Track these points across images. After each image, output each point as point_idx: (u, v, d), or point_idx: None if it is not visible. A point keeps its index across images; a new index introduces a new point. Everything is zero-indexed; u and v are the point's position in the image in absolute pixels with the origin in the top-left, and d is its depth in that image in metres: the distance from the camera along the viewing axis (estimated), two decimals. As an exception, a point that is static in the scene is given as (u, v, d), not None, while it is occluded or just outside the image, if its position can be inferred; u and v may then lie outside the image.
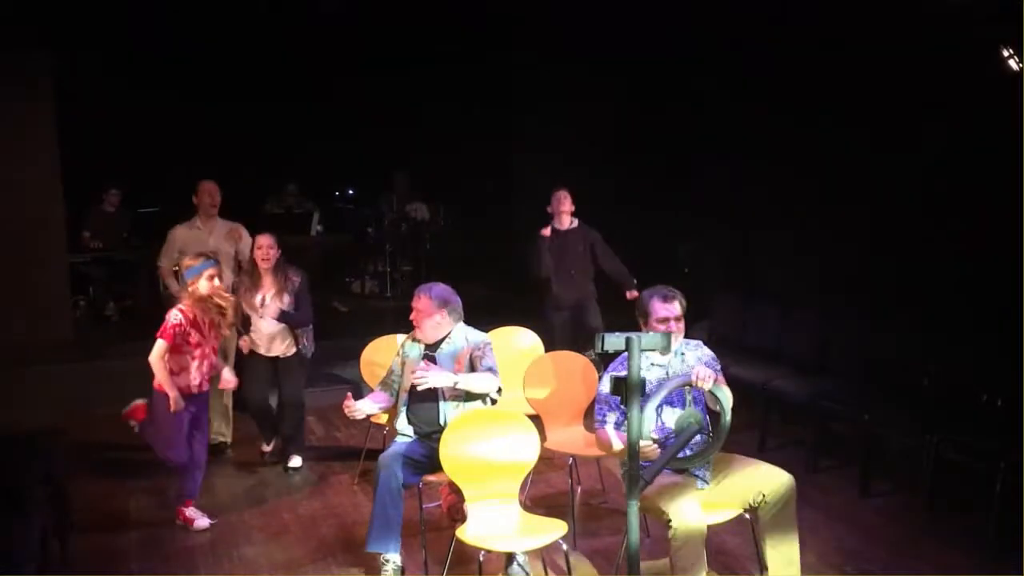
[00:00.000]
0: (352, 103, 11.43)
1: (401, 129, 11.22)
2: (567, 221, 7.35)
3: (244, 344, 6.26)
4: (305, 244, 10.41)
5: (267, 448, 6.51)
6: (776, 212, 8.07)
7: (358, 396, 5.10)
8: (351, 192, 12.53)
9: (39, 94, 7.85)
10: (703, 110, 8.77)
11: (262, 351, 6.25)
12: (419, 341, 4.96)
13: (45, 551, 4.34)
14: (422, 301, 4.86)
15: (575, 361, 5.71)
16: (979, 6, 5.94)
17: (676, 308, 4.23)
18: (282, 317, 6.13)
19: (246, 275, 6.28)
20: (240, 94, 10.58)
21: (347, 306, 10.22)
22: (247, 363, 6.29)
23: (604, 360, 4.83)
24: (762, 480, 4.10)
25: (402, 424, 4.89)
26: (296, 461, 6.34)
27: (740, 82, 8.20)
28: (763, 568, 4.15)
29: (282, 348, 6.27)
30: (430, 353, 4.90)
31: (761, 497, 4.06)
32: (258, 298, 6.15)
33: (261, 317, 6.15)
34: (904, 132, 6.71)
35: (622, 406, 4.11)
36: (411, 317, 4.93)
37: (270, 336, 6.22)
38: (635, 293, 6.96)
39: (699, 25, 8.40)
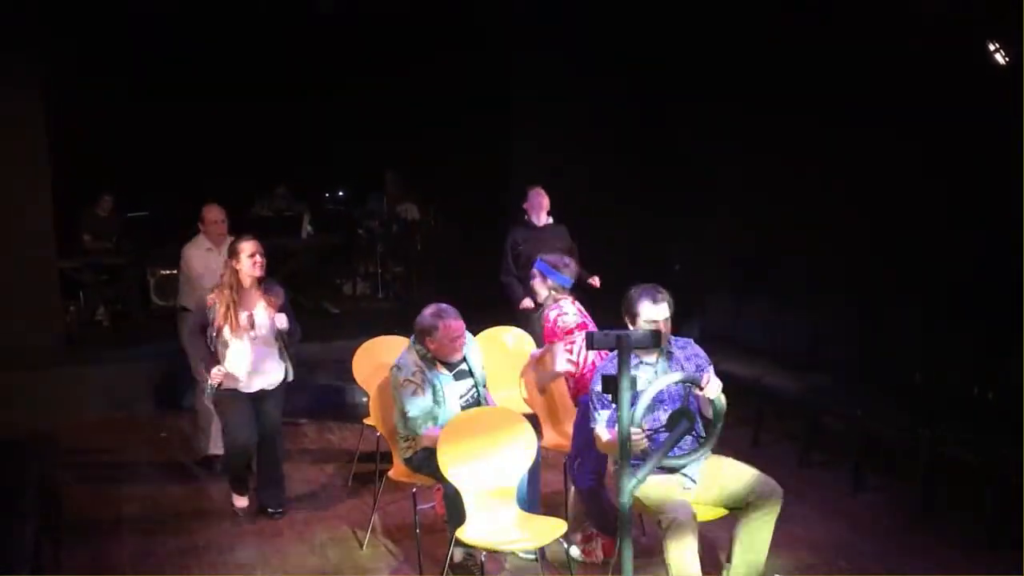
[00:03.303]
0: (342, 104, 11.40)
1: (392, 129, 11.19)
2: (544, 218, 7.03)
3: (219, 376, 5.13)
4: (295, 246, 10.38)
5: (245, 503, 5.60)
6: (769, 209, 8.07)
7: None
8: (341, 194, 12.51)
9: (28, 95, 7.80)
10: (701, 109, 8.78)
11: (241, 386, 5.25)
12: (442, 366, 4.73)
13: (38, 555, 4.32)
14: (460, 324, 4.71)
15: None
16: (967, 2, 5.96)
17: (665, 310, 4.21)
18: (289, 332, 5.33)
19: (225, 290, 5.15)
20: (229, 95, 10.51)
21: (338, 307, 10.20)
22: (226, 405, 5.29)
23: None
24: (751, 487, 4.08)
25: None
26: (279, 507, 5.55)
27: (737, 81, 8.20)
28: (729, 559, 4.16)
29: (267, 380, 5.34)
30: (462, 370, 4.84)
31: (747, 505, 4.06)
32: (243, 316, 5.18)
33: (254, 338, 5.20)
34: (899, 128, 6.71)
35: (613, 404, 4.13)
36: (454, 345, 4.68)
37: (255, 365, 5.25)
38: (597, 280, 6.80)
39: (698, 26, 8.40)
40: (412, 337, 4.78)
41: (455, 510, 4.33)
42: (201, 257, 6.22)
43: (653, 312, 4.18)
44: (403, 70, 10.69)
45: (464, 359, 4.82)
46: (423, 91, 10.83)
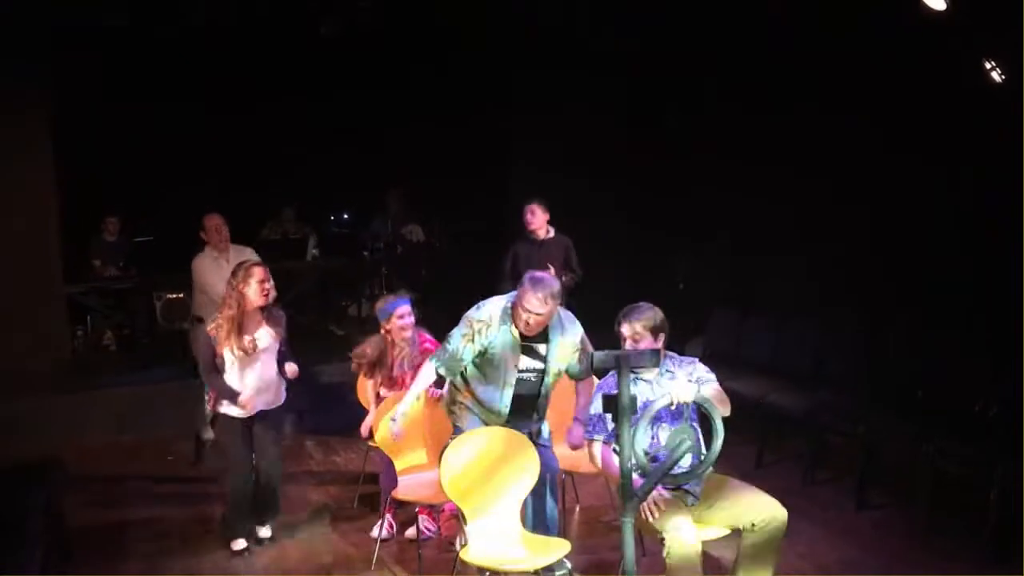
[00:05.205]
0: (347, 125, 11.44)
1: (394, 150, 11.23)
2: (543, 232, 7.17)
3: (248, 402, 5.07)
4: (301, 269, 10.42)
5: (243, 544, 5.33)
6: (772, 226, 8.09)
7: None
8: (346, 217, 12.56)
9: (36, 116, 7.87)
10: (700, 122, 8.81)
11: (237, 411, 5.11)
12: (515, 328, 4.43)
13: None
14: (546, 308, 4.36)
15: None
16: (961, 18, 5.98)
17: (625, 330, 4.20)
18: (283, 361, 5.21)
19: (227, 313, 4.96)
20: (234, 117, 10.57)
21: (343, 329, 10.22)
22: (222, 430, 5.26)
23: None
24: (755, 509, 4.07)
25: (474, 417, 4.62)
26: (267, 530, 5.44)
27: (738, 92, 8.23)
28: None
29: (267, 399, 5.18)
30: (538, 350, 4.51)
31: (751, 526, 4.05)
32: (246, 340, 5.01)
33: (256, 362, 5.04)
34: (901, 141, 6.74)
35: (613, 423, 4.14)
36: (527, 320, 4.35)
37: (257, 388, 5.09)
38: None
39: (695, 34, 8.44)
40: None
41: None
42: (210, 265, 6.54)
43: (622, 329, 4.22)
44: (402, 83, 10.75)
45: (545, 339, 4.50)
46: (421, 104, 10.89)
